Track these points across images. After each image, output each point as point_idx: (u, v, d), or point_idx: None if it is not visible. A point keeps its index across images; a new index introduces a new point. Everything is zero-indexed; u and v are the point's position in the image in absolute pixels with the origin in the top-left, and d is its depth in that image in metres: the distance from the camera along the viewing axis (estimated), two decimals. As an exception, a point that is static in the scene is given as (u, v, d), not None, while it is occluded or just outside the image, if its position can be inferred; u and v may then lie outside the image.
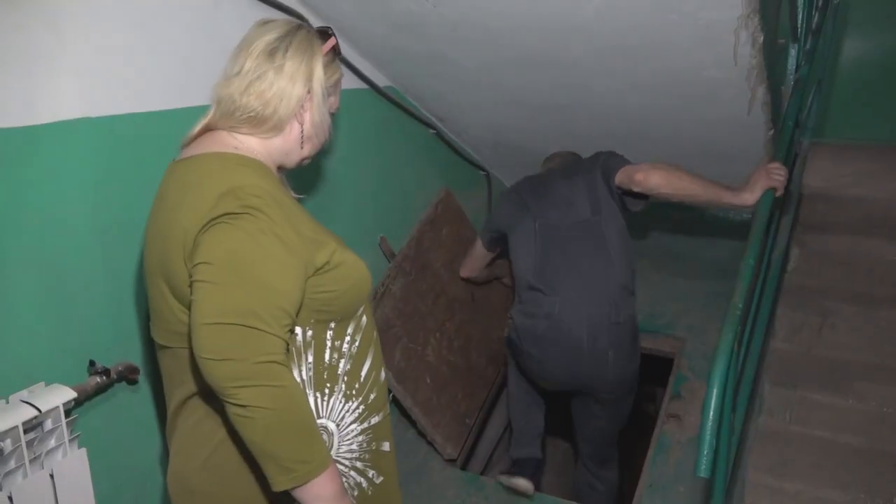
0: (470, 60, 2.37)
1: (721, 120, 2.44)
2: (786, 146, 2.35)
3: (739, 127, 2.45)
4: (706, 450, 1.69)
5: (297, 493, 1.24)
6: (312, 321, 1.36)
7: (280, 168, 1.48)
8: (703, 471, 1.69)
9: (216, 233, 1.22)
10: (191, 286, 1.22)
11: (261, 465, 1.22)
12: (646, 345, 3.13)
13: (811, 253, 3.13)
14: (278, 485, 1.22)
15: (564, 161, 2.76)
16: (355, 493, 1.48)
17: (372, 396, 1.49)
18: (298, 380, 1.36)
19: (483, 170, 3.45)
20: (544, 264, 2.46)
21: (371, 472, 1.51)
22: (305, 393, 1.38)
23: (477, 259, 2.89)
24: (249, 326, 1.18)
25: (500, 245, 2.77)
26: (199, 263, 1.21)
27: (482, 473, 3.82)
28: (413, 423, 2.71)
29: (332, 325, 1.40)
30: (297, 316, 1.29)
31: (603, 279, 2.38)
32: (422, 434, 2.74)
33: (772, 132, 2.47)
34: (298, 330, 1.35)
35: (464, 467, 2.93)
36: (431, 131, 2.99)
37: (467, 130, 3.12)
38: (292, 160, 1.48)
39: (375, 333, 1.53)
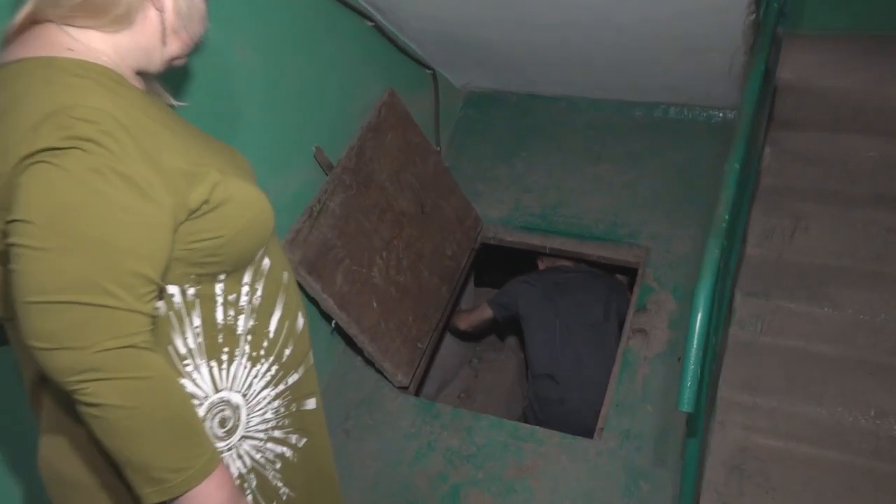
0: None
1: (694, 5, 2.15)
2: (770, 32, 2.09)
3: (715, 13, 2.17)
4: (689, 382, 1.50)
5: None
6: (193, 276, 1.07)
7: (142, 73, 1.13)
8: (686, 405, 1.51)
9: (34, 177, 0.89)
10: (8, 249, 0.91)
11: (124, 474, 0.96)
12: (608, 255, 2.93)
13: (783, 151, 2.93)
14: (148, 498, 0.96)
15: (577, 269, 3.15)
16: (277, 466, 1.24)
17: (287, 352, 1.23)
18: (184, 349, 1.08)
19: (429, 68, 3.10)
20: (560, 357, 2.86)
21: (293, 437, 1.27)
22: (196, 364, 1.11)
23: (482, 322, 3.20)
24: (91, 304, 0.89)
25: (511, 320, 3.13)
26: (16, 221, 0.88)
27: (437, 399, 3.68)
28: (360, 350, 2.48)
29: (223, 277, 1.11)
30: (166, 275, 1.00)
31: (604, 373, 2.73)
32: (370, 362, 2.52)
33: (753, 17, 2.20)
34: (176, 290, 1.06)
35: (417, 393, 2.74)
36: (369, 23, 2.62)
37: (409, 22, 2.75)
38: (155, 61, 1.11)
39: (286, 275, 1.24)
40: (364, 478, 2.42)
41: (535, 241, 3.01)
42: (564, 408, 2.82)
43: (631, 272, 2.87)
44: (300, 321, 1.27)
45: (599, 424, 2.44)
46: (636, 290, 2.74)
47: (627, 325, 2.64)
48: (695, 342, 1.49)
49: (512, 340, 3.96)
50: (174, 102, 1.21)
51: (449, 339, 3.51)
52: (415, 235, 2.68)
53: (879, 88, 2.92)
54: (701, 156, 3.06)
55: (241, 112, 2.04)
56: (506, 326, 3.71)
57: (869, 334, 2.35)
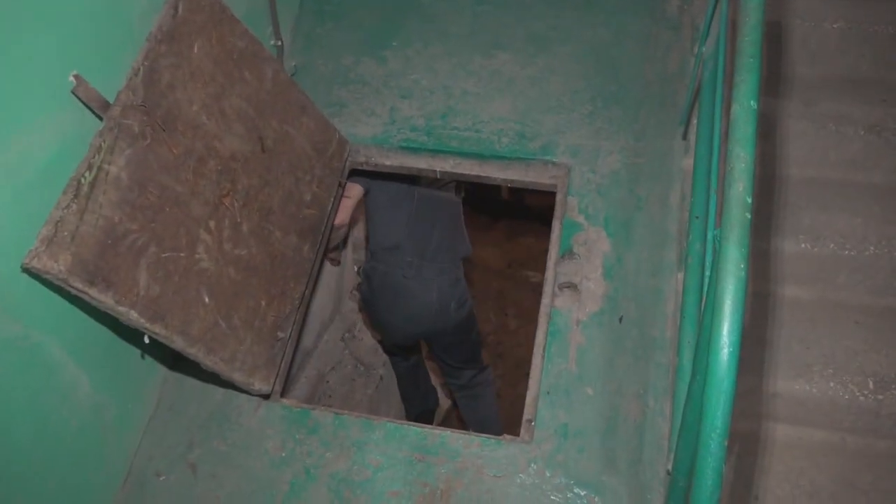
0: None
1: None
2: None
3: None
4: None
5: None
6: None
7: None
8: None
9: None
10: None
11: None
12: (517, 177, 2.26)
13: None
14: None
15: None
16: None
17: None
18: None
19: (251, -72, 2.17)
20: (410, 229, 2.61)
21: None
22: None
23: (357, 201, 2.61)
24: None
25: None
26: None
27: (316, 347, 3.05)
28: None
29: None
30: None
31: (451, 249, 2.68)
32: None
33: None
34: None
35: (284, 393, 2.07)
36: None
37: None
38: None
39: None
40: (223, 531, 1.79)
41: (420, 163, 2.30)
42: (408, 282, 2.62)
43: (548, 198, 2.23)
44: None
45: (527, 416, 1.89)
46: (556, 226, 2.12)
47: (551, 278, 2.03)
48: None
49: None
50: None
51: (318, 315, 2.83)
52: (255, 186, 1.90)
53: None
54: (623, 35, 2.39)
55: None
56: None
57: (853, 272, 1.87)
